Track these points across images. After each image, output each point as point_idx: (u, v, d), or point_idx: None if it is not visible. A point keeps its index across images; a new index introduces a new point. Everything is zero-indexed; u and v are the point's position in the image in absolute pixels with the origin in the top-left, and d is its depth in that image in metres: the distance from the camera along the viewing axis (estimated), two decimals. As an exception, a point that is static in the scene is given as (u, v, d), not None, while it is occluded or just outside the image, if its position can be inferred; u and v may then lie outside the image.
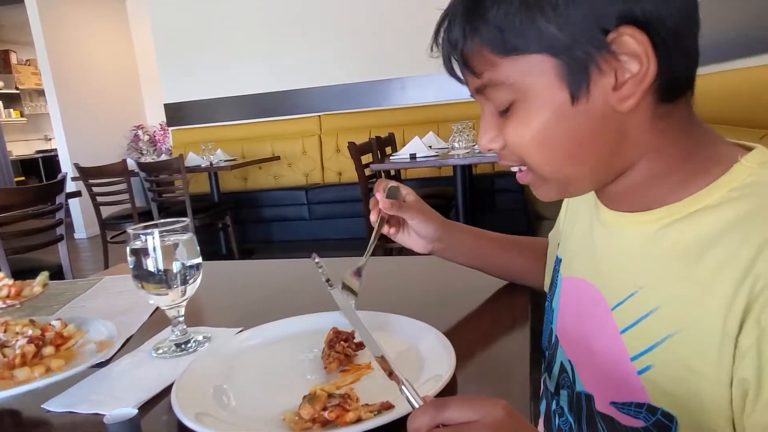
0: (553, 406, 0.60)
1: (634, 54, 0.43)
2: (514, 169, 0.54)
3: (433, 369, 0.61)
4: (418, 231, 0.81)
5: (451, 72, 0.51)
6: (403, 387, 0.43)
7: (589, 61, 0.44)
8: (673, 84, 0.46)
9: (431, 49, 0.51)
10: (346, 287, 0.75)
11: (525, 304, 0.82)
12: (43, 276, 0.96)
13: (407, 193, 0.82)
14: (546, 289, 0.82)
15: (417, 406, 0.42)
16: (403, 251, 0.88)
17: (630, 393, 0.46)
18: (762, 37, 1.62)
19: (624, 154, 0.48)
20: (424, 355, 0.66)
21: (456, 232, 0.84)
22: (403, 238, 0.83)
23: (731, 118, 1.49)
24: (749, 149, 0.47)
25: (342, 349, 0.65)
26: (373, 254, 0.80)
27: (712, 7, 1.86)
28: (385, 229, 0.80)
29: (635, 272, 0.48)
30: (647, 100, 0.46)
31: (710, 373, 0.41)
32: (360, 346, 0.68)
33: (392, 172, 3.64)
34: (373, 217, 0.80)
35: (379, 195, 0.79)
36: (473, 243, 0.85)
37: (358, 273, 0.76)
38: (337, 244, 4.52)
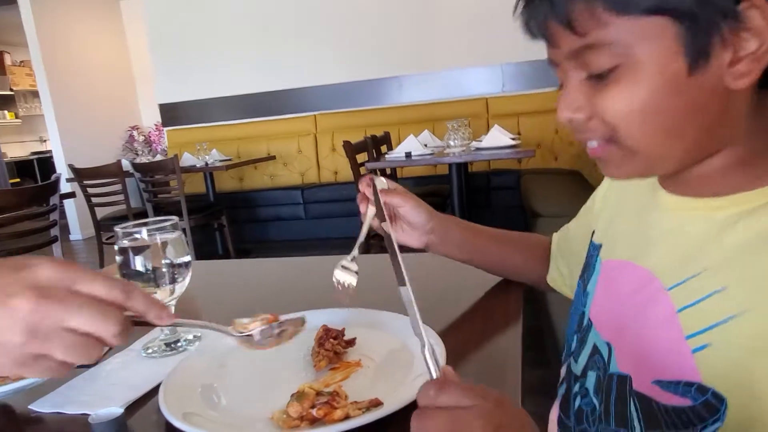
0: (575, 389, 0.59)
1: (757, 30, 0.40)
2: (593, 144, 0.50)
3: (422, 365, 0.61)
4: (409, 219, 0.79)
5: (536, 33, 0.48)
6: (426, 353, 0.44)
7: (714, 30, 0.41)
8: None
9: (514, 9, 0.48)
10: (345, 269, 0.73)
11: (518, 302, 0.82)
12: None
13: (395, 187, 0.81)
14: (552, 283, 0.83)
15: (434, 375, 0.44)
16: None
17: (680, 372, 0.45)
18: None
19: (719, 136, 0.46)
20: (412, 350, 0.66)
21: (450, 223, 0.83)
22: (396, 234, 0.81)
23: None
24: None
25: (331, 347, 0.65)
26: (367, 252, 0.79)
27: None
28: (375, 223, 0.78)
29: (700, 255, 0.47)
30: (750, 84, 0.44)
31: None
32: (350, 343, 0.67)
33: (388, 171, 3.63)
34: (363, 209, 0.77)
35: (363, 186, 0.77)
36: (468, 236, 0.84)
37: (352, 262, 0.74)
38: (334, 243, 4.52)
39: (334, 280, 0.72)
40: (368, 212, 0.77)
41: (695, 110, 0.44)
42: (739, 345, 0.41)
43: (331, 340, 0.66)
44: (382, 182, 0.78)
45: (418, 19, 4.49)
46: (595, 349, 0.57)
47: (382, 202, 0.74)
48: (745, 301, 0.42)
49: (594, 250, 0.64)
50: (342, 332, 0.68)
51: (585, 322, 0.60)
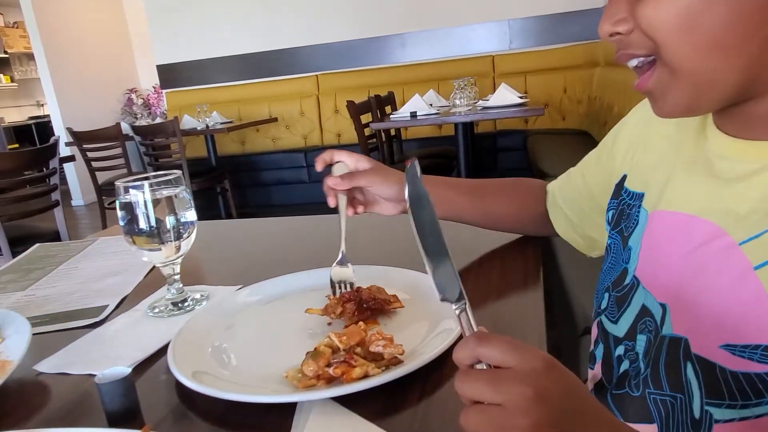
0: (618, 351, 0.55)
1: None
2: (633, 63, 0.45)
3: (444, 322, 0.58)
4: (381, 194, 0.75)
5: None
6: (466, 311, 0.40)
7: None
8: None
9: None
10: (335, 281, 0.70)
11: (538, 255, 0.79)
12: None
13: (357, 160, 0.77)
14: (563, 235, 0.78)
15: (467, 334, 0.39)
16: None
17: (758, 334, 0.41)
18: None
19: None
20: (434, 307, 0.63)
21: (430, 183, 0.77)
22: (373, 209, 0.78)
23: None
24: None
25: (348, 310, 0.62)
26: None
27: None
28: (350, 212, 0.75)
29: None
30: None
31: None
32: (374, 312, 0.63)
33: (392, 132, 3.57)
34: (332, 203, 0.75)
35: (330, 180, 0.73)
36: (448, 195, 0.79)
37: (342, 263, 0.71)
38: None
39: (330, 281, 0.70)
40: (340, 202, 0.74)
41: (749, 20, 0.39)
42: None
43: (352, 306, 0.62)
44: (342, 168, 0.75)
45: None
46: (645, 311, 0.52)
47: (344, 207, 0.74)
48: None
49: (633, 199, 0.58)
50: (370, 300, 0.64)
51: (628, 279, 0.55)
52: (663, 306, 0.49)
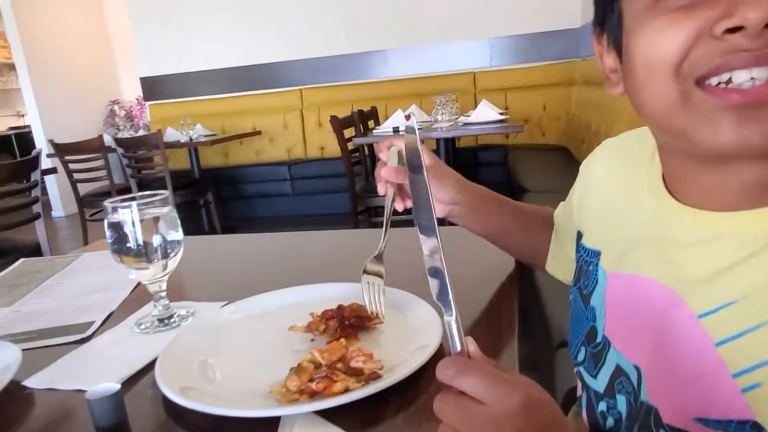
0: (601, 407, 0.54)
1: None
2: (763, 75, 0.36)
3: (421, 338, 0.61)
4: (435, 195, 0.72)
5: None
6: (452, 323, 0.40)
7: None
8: None
9: None
10: (370, 272, 0.69)
11: (514, 278, 0.82)
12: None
13: (423, 149, 0.74)
14: (551, 269, 0.76)
15: (457, 346, 0.40)
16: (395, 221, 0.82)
17: (728, 410, 0.40)
18: None
19: None
20: (412, 324, 0.66)
21: (479, 195, 0.77)
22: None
23: None
24: None
25: (331, 327, 0.64)
26: (357, 226, 0.77)
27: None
28: (399, 205, 0.72)
29: (732, 279, 0.41)
30: None
31: None
32: (356, 329, 0.65)
33: (375, 146, 3.61)
34: (381, 190, 0.71)
35: (383, 155, 0.70)
36: (495, 210, 0.78)
37: (379, 259, 0.70)
38: (321, 220, 4.50)
39: (362, 286, 0.68)
40: (389, 194, 0.72)
41: None
42: None
43: (332, 320, 0.65)
44: (397, 155, 0.71)
45: (405, -9, 4.41)
46: (620, 371, 0.51)
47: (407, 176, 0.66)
48: None
49: (590, 256, 0.58)
50: (352, 316, 0.66)
51: (599, 338, 0.54)
52: (637, 368, 0.49)
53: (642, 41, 0.40)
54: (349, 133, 3.23)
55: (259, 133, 4.72)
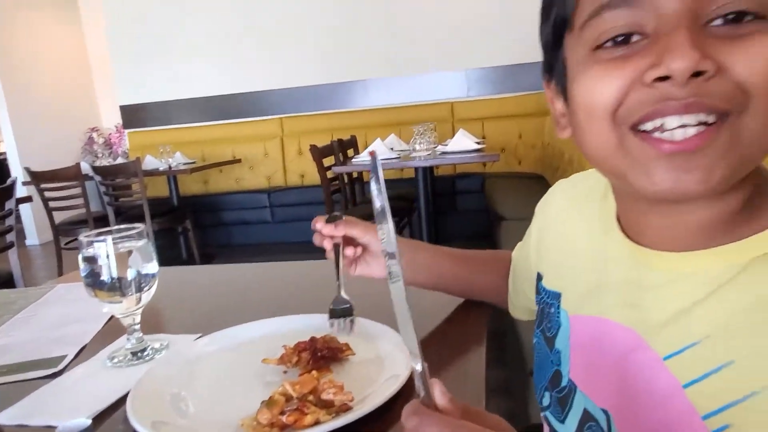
0: None
1: None
2: (692, 122, 0.37)
3: (392, 368, 0.63)
4: (372, 249, 0.76)
5: None
6: (418, 368, 0.40)
7: None
8: None
9: None
10: (338, 313, 0.70)
11: (482, 314, 0.83)
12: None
13: (349, 218, 0.78)
14: (513, 311, 0.78)
15: (422, 392, 0.39)
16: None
17: None
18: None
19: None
20: (384, 354, 0.67)
21: (417, 247, 0.80)
22: (362, 269, 0.78)
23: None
24: None
25: (303, 359, 0.65)
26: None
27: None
28: (350, 252, 0.74)
29: (694, 320, 0.41)
30: None
31: None
32: (328, 360, 0.67)
33: (354, 175, 3.64)
34: (328, 246, 0.75)
35: (320, 224, 0.75)
36: (436, 259, 0.80)
37: (340, 298, 0.72)
38: (301, 247, 4.48)
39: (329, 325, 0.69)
40: (335, 252, 0.75)
41: None
42: (764, 423, 0.37)
43: (305, 352, 0.66)
44: (338, 218, 0.76)
45: (383, 23, 4.52)
46: (588, 415, 0.50)
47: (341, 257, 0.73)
48: (763, 376, 0.37)
49: (551, 298, 0.58)
50: (323, 347, 0.67)
51: (564, 382, 0.54)
52: (605, 412, 0.48)
53: (582, 88, 0.42)
54: (329, 161, 3.27)
55: (239, 161, 4.73)
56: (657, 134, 0.39)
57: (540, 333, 0.59)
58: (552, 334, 0.56)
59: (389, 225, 0.39)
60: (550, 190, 0.67)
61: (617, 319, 0.48)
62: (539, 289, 0.62)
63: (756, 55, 0.35)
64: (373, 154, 0.43)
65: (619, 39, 0.39)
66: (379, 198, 0.39)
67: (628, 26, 0.39)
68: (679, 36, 0.36)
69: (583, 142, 0.45)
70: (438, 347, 0.72)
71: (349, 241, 0.76)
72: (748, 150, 0.38)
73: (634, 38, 0.39)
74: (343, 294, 0.71)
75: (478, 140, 3.19)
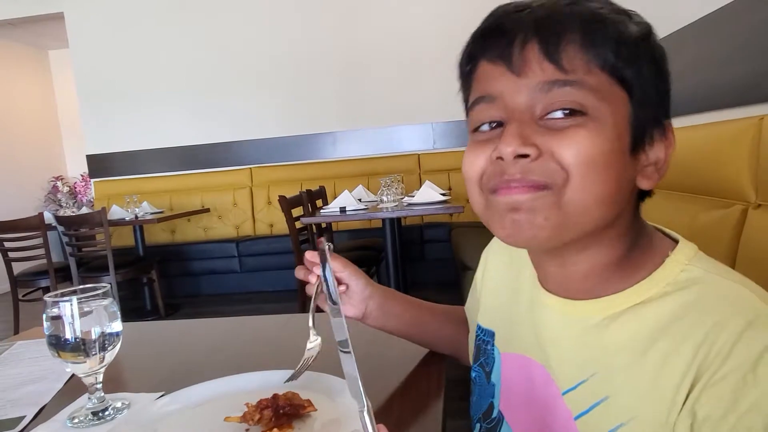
0: None
1: (667, 146, 0.48)
2: (517, 198, 0.47)
3: (353, 424, 0.64)
4: (348, 284, 0.78)
5: (499, 55, 0.48)
6: (365, 415, 0.45)
7: (650, 126, 0.48)
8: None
9: (479, 28, 0.51)
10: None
11: (441, 367, 0.85)
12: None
13: (336, 256, 0.81)
14: (472, 361, 0.82)
15: None
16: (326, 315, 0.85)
17: None
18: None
19: (611, 228, 0.49)
20: (345, 410, 0.69)
21: (389, 293, 0.82)
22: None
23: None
24: (670, 237, 0.52)
25: (264, 417, 0.67)
26: (304, 303, 0.80)
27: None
28: (320, 300, 0.76)
29: (584, 360, 0.49)
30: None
31: None
32: (290, 418, 0.68)
33: (323, 225, 3.67)
34: (312, 279, 0.75)
35: (309, 254, 0.76)
36: (407, 307, 0.83)
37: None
38: (269, 296, 4.45)
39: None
40: (315, 287, 0.76)
41: (619, 188, 0.47)
42: None
43: (269, 412, 0.67)
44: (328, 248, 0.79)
45: (352, 78, 4.67)
46: None
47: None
48: (629, 410, 0.45)
49: (487, 336, 0.65)
50: (286, 404, 0.69)
51: (495, 413, 0.61)
52: None
53: (464, 160, 0.53)
54: (297, 212, 3.30)
55: (207, 210, 4.72)
56: (505, 198, 0.49)
57: (479, 367, 0.66)
58: (489, 369, 0.63)
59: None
60: (494, 238, 0.72)
61: (533, 356, 0.55)
62: (477, 328, 0.68)
63: (571, 143, 0.45)
64: (320, 242, 0.52)
65: (494, 124, 0.50)
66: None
67: (491, 117, 0.50)
68: (510, 128, 0.47)
69: (469, 199, 0.54)
70: (398, 398, 0.74)
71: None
72: (572, 216, 0.47)
73: (496, 125, 0.50)
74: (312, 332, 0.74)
75: (443, 192, 3.27)
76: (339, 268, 0.78)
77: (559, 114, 0.46)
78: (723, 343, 0.41)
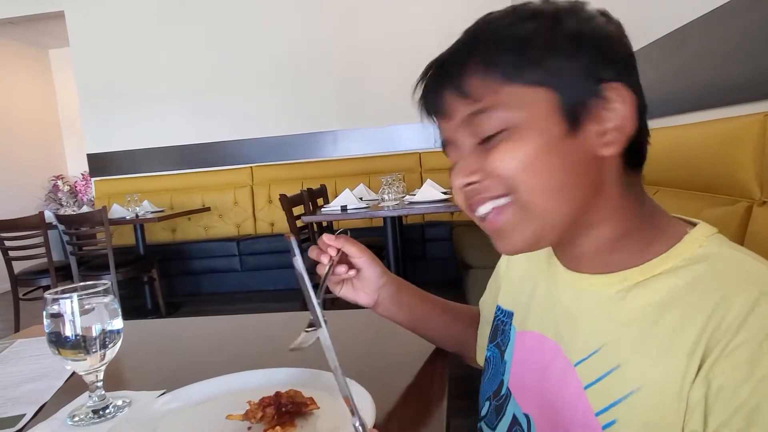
0: None
1: (621, 107, 0.49)
2: (488, 207, 0.52)
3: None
4: (364, 271, 0.78)
5: (433, 109, 0.55)
6: (357, 425, 0.45)
7: (584, 101, 0.49)
8: (639, 152, 0.53)
9: (413, 92, 0.56)
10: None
11: (444, 366, 0.85)
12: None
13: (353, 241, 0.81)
14: (478, 359, 0.81)
15: None
16: (337, 304, 0.84)
17: None
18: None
19: (596, 207, 0.51)
20: (343, 407, 0.68)
21: (402, 284, 0.82)
22: (347, 292, 0.79)
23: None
24: (689, 222, 0.53)
25: (266, 414, 0.66)
26: (305, 302, 0.79)
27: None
28: (331, 283, 0.77)
29: (597, 331, 0.51)
30: (618, 161, 0.51)
31: (667, 430, 0.44)
32: (292, 416, 0.68)
33: (324, 224, 3.67)
34: (325, 260, 0.76)
35: (326, 236, 0.77)
36: (418, 299, 0.83)
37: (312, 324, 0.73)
38: (269, 296, 4.45)
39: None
40: (327, 267, 0.76)
41: (575, 171, 0.50)
42: (640, 421, 0.45)
43: (272, 410, 0.66)
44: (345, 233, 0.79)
45: (351, 78, 4.66)
46: (516, 421, 0.59)
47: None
48: (638, 378, 0.46)
49: (506, 317, 0.67)
50: (289, 401, 0.68)
51: (503, 390, 0.62)
52: (527, 417, 0.57)
53: None
54: (298, 210, 3.29)
55: (208, 209, 4.72)
56: (475, 214, 0.55)
57: (495, 347, 0.67)
58: (504, 348, 0.65)
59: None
60: None
61: (546, 333, 0.57)
62: (497, 309, 0.70)
63: (503, 156, 0.50)
64: (288, 237, 0.58)
65: None
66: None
67: (450, 156, 0.57)
68: (456, 166, 0.54)
69: None
70: (402, 397, 0.74)
71: (342, 260, 0.78)
72: (539, 215, 0.51)
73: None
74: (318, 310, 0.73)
75: (444, 190, 3.27)
76: (356, 253, 0.78)
77: (487, 136, 0.51)
78: (737, 313, 0.42)
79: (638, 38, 1.82)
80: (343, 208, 2.99)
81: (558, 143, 0.49)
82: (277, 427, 0.63)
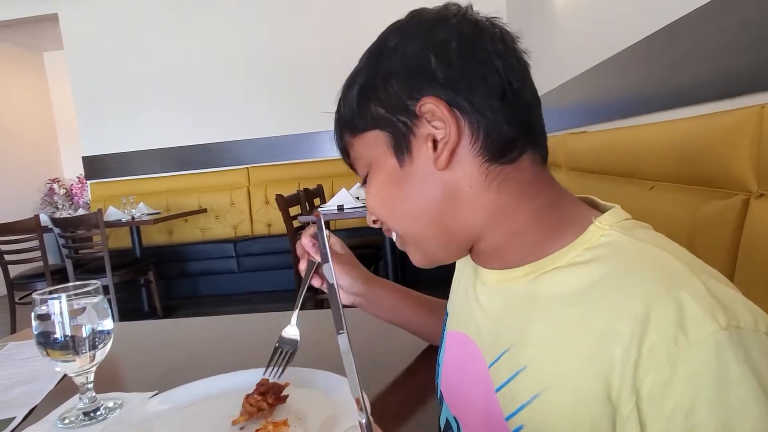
0: None
1: (440, 119, 0.48)
2: (394, 235, 0.57)
3: (348, 420, 0.63)
4: (341, 272, 0.81)
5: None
6: (363, 422, 0.44)
7: (406, 129, 0.50)
8: (502, 146, 0.49)
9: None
10: (285, 340, 0.76)
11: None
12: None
13: (335, 242, 0.84)
14: None
15: None
16: (327, 304, 0.86)
17: None
18: (641, 100, 1.82)
19: (460, 215, 0.51)
20: (342, 407, 0.67)
21: (379, 288, 0.85)
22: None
23: (623, 171, 1.63)
24: (603, 209, 0.50)
25: (255, 402, 0.65)
26: (302, 308, 0.80)
27: (600, 76, 2.07)
28: (316, 282, 0.79)
29: (505, 330, 0.49)
30: (475, 161, 0.49)
31: None
32: (278, 399, 0.67)
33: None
34: (302, 266, 0.79)
35: (306, 239, 0.78)
36: (396, 300, 0.86)
37: (294, 327, 0.76)
38: (267, 296, 4.44)
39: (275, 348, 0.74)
40: (307, 267, 0.78)
41: (421, 194, 0.51)
42: (546, 425, 0.43)
43: (256, 396, 0.66)
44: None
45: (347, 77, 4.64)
46: (448, 424, 0.58)
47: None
48: (543, 379, 0.43)
49: (445, 318, 0.66)
50: (272, 388, 0.68)
51: (438, 393, 0.62)
52: (456, 420, 0.56)
53: None
54: (294, 211, 3.28)
55: (204, 210, 4.70)
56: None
57: (438, 350, 0.66)
58: (439, 349, 0.64)
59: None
60: None
61: (469, 333, 0.55)
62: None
63: (368, 197, 0.56)
64: (318, 215, 0.60)
65: None
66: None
67: None
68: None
69: None
70: (396, 391, 0.73)
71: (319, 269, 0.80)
72: (418, 241, 0.54)
73: None
74: (294, 322, 0.76)
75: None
76: (339, 248, 0.84)
77: (363, 179, 0.56)
78: (642, 310, 0.39)
79: (630, 33, 1.81)
80: (340, 208, 2.98)
81: (397, 174, 0.52)
82: (270, 427, 0.62)
